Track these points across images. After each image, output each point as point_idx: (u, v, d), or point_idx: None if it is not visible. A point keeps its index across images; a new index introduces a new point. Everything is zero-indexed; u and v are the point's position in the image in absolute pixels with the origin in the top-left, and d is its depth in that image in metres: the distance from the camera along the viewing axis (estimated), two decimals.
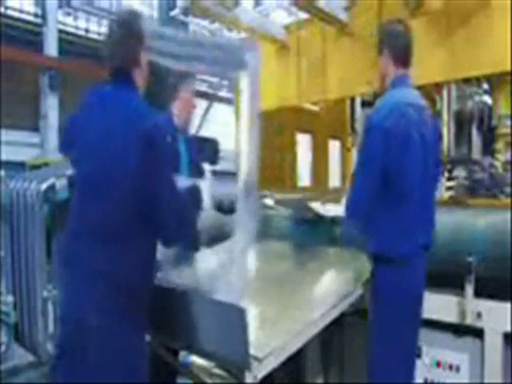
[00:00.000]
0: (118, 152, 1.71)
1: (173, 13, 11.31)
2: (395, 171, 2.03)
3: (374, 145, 2.04)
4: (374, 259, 2.15)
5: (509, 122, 5.25)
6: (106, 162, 1.72)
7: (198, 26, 11.48)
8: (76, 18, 12.03)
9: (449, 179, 4.77)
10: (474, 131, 5.55)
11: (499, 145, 5.31)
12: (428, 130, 2.16)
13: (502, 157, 5.14)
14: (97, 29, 12.32)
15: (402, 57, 2.17)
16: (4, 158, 8.56)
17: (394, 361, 2.08)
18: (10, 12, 10.81)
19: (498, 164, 4.96)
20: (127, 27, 1.84)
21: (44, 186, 3.45)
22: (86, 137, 1.81)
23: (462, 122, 5.44)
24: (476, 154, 5.52)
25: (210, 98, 13.87)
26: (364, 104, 5.69)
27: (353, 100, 5.72)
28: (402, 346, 2.10)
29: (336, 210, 2.69)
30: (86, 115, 1.86)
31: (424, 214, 2.17)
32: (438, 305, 2.33)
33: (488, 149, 5.46)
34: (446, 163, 4.74)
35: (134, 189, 1.71)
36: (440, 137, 2.36)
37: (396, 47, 2.17)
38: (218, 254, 2.89)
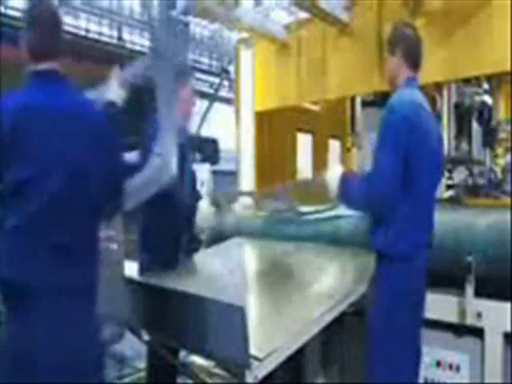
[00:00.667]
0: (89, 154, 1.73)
1: (173, 12, 11.29)
2: (412, 165, 2.04)
3: (400, 133, 2.03)
4: (378, 256, 2.14)
5: (509, 127, 5.26)
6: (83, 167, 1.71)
7: (198, 25, 11.47)
8: (76, 18, 12.03)
9: (449, 179, 4.77)
10: (474, 131, 5.56)
11: (499, 150, 5.33)
12: (434, 131, 2.20)
13: (502, 160, 5.15)
14: (97, 28, 12.32)
15: (415, 59, 2.21)
16: None
17: (393, 361, 2.08)
18: (10, 12, 10.81)
19: (497, 169, 4.98)
20: (46, 14, 1.79)
21: None
22: (52, 147, 1.66)
23: (462, 122, 5.45)
24: (476, 154, 5.53)
25: (210, 97, 13.87)
26: (364, 104, 5.69)
27: (353, 100, 5.73)
28: (403, 345, 2.10)
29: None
30: (37, 123, 1.67)
31: (428, 212, 2.18)
32: (438, 305, 2.33)
33: (487, 147, 5.48)
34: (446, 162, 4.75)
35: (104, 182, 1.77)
36: (440, 140, 2.37)
37: (410, 49, 2.21)
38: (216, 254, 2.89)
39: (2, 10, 10.46)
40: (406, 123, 2.03)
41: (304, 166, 5.73)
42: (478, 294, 2.24)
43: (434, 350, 2.40)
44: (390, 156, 2.03)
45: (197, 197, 3.15)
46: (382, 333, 2.09)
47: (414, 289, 2.12)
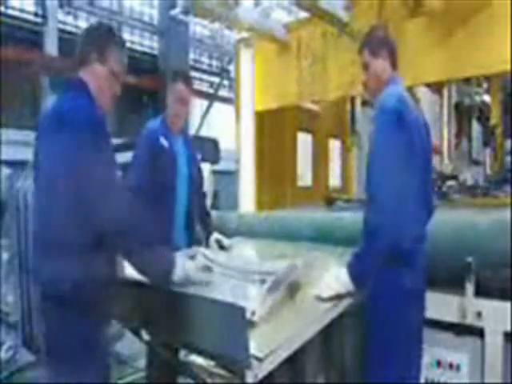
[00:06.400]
0: None
1: (173, 12, 11.30)
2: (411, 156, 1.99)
3: (396, 132, 1.96)
4: None
5: None
6: None
7: (199, 25, 11.49)
8: (76, 18, 12.04)
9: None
10: (474, 131, 5.57)
11: None
12: (422, 123, 2.15)
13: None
14: None
15: (396, 59, 2.23)
16: (4, 157, 8.56)
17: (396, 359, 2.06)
18: (10, 11, 10.81)
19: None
20: None
21: None
22: None
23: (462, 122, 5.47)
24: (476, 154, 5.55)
25: (210, 97, 13.89)
26: (364, 104, 5.70)
27: (353, 100, 5.74)
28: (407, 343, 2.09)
29: None
30: None
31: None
32: (438, 304, 2.33)
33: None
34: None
35: None
36: (429, 133, 2.30)
37: (393, 50, 2.22)
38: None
39: (2, 9, 10.47)
40: (399, 117, 1.97)
41: (304, 166, 5.74)
42: (478, 293, 2.24)
43: (433, 350, 2.40)
44: (397, 175, 1.90)
45: (203, 196, 3.12)
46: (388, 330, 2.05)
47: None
